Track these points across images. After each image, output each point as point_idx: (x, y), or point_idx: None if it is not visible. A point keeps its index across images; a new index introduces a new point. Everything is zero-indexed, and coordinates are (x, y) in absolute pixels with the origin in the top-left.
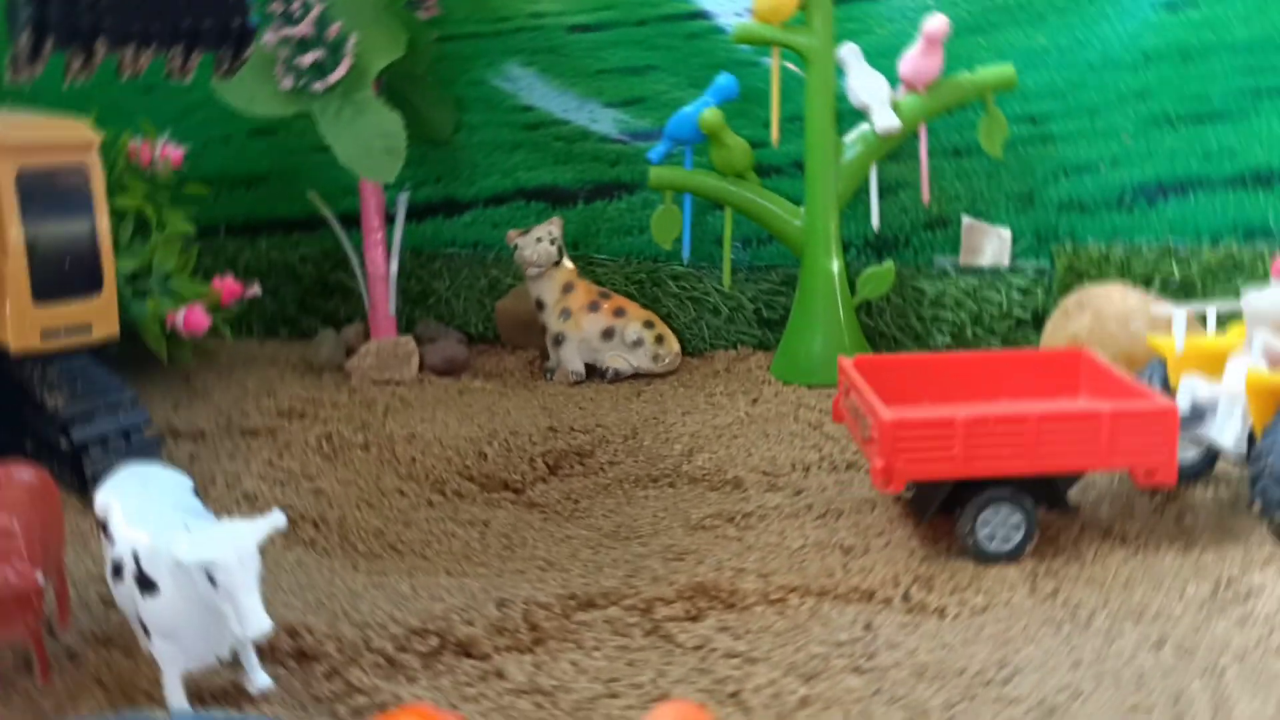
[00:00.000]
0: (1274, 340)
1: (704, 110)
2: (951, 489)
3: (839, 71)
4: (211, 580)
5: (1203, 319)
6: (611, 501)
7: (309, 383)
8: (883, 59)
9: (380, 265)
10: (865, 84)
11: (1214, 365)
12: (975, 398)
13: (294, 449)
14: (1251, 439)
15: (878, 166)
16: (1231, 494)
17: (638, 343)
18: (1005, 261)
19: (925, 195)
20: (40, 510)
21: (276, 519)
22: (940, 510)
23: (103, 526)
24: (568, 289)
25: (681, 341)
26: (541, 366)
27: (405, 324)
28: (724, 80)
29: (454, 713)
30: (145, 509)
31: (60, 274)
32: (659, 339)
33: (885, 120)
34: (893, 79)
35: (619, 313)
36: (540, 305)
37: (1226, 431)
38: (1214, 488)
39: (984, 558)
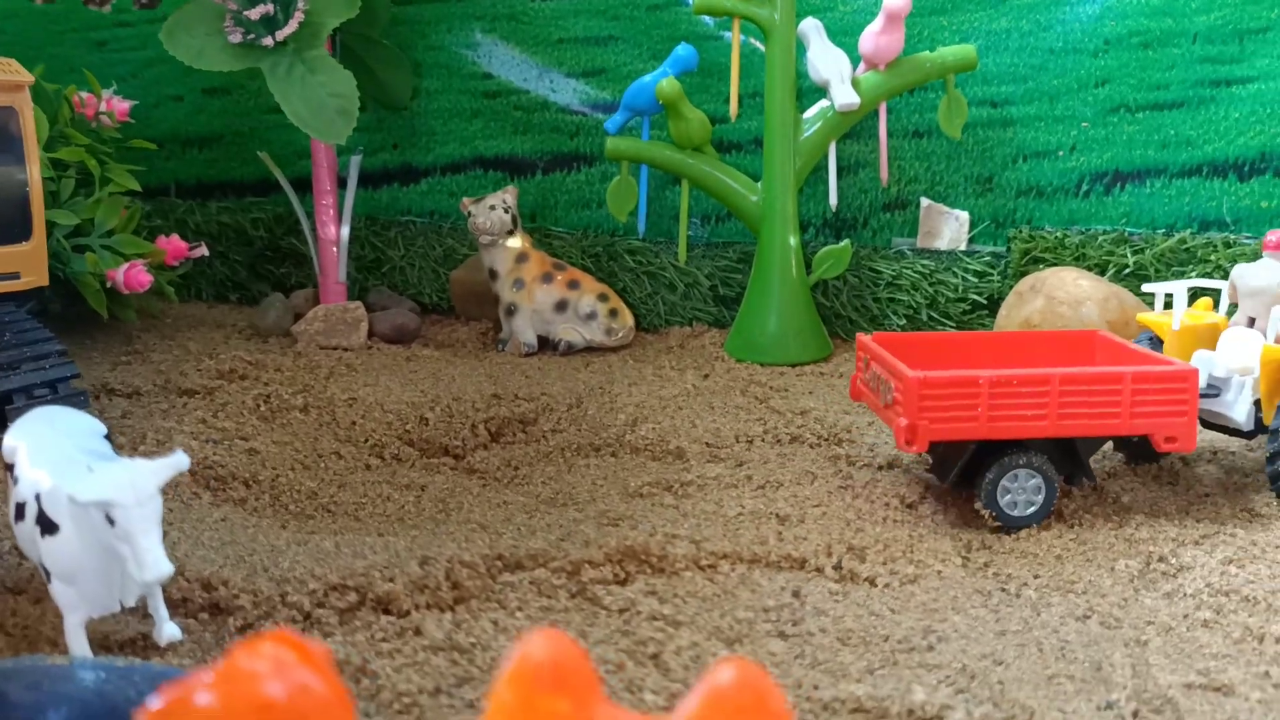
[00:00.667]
0: None
1: (662, 80)
2: (973, 454)
3: (800, 47)
4: (110, 521)
5: (1169, 299)
6: (551, 469)
7: (253, 346)
8: (844, 36)
9: (331, 230)
10: (826, 60)
11: (1206, 341)
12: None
13: (230, 409)
14: (1258, 415)
15: (837, 145)
16: (1169, 475)
17: (591, 315)
18: (962, 245)
19: (884, 175)
20: None
21: (179, 460)
22: (961, 479)
23: (9, 469)
24: (521, 259)
25: (637, 317)
26: (494, 338)
27: (357, 291)
28: (683, 51)
29: (318, 642)
30: (50, 450)
31: None
32: (613, 312)
33: (845, 97)
34: (854, 56)
35: (573, 285)
36: (493, 275)
37: (1238, 407)
38: (1152, 470)
39: (1006, 523)
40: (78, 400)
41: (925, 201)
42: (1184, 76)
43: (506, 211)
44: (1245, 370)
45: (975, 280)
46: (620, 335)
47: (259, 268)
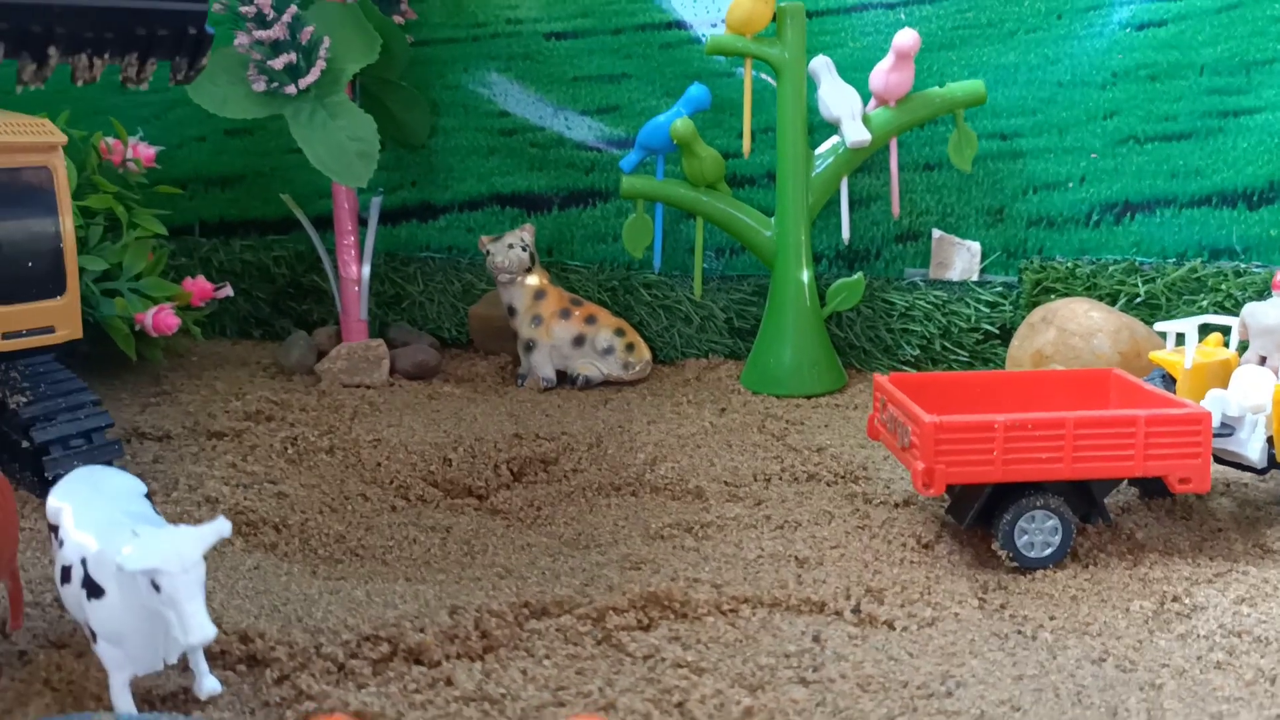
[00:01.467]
0: None
1: (676, 120)
2: (989, 496)
3: (811, 84)
4: (155, 587)
5: (1180, 337)
6: (573, 509)
7: (278, 385)
8: (854, 72)
9: (352, 269)
10: (837, 97)
11: (1218, 379)
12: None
13: (259, 452)
14: (1271, 451)
15: (848, 179)
16: (1183, 510)
17: (608, 350)
18: (974, 275)
19: (895, 208)
20: None
21: (222, 526)
22: (978, 521)
23: (54, 530)
24: (539, 295)
25: (653, 350)
26: (513, 372)
27: (378, 328)
28: (696, 90)
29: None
30: (95, 513)
31: (23, 275)
32: (629, 347)
33: (856, 133)
34: (864, 93)
35: (590, 320)
36: (512, 311)
37: (1252, 444)
38: (1165, 505)
39: (1023, 564)
40: (112, 449)
41: (937, 233)
42: (1192, 108)
43: (524, 249)
44: (1258, 409)
45: (988, 310)
46: (637, 369)
47: (281, 304)
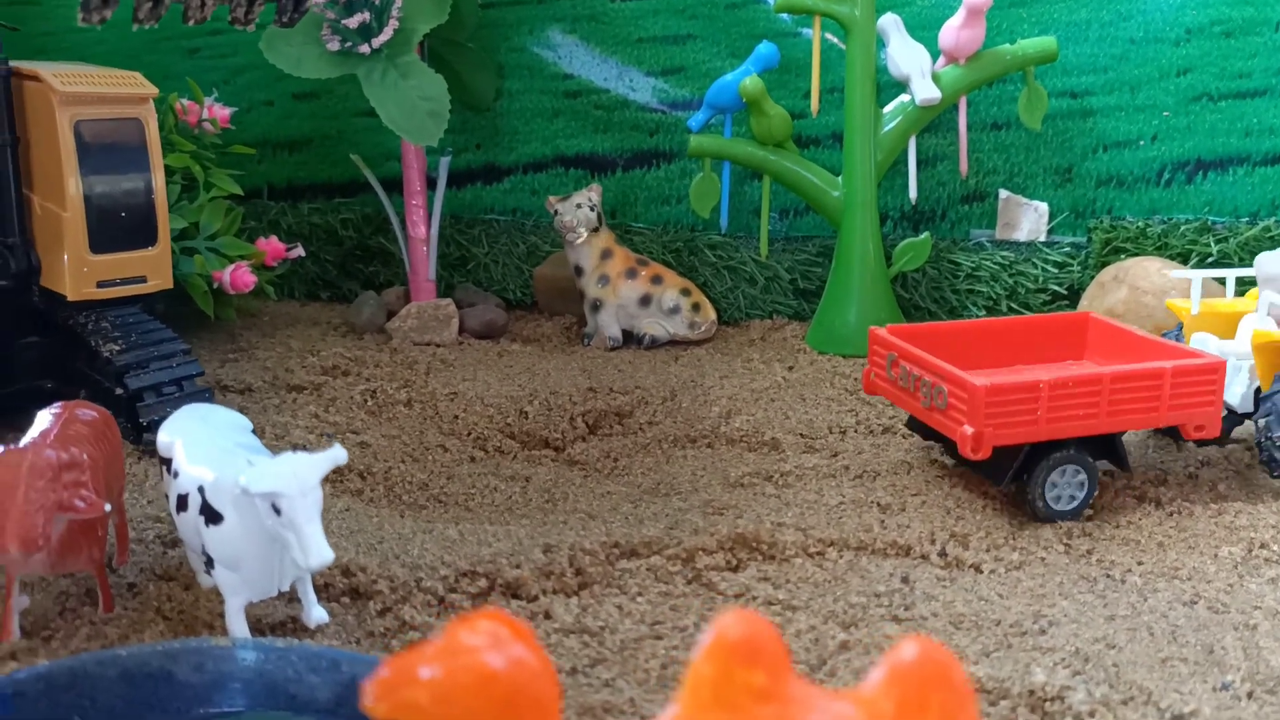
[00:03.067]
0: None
1: (745, 79)
2: (1027, 455)
3: (879, 42)
4: (276, 510)
5: (1222, 283)
6: (650, 460)
7: (350, 343)
8: (923, 30)
9: (421, 230)
10: (906, 54)
11: (1228, 327)
12: (991, 363)
13: (339, 404)
14: (1259, 396)
15: (916, 138)
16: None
17: (674, 310)
18: (1041, 236)
19: (963, 167)
20: (103, 447)
21: (338, 453)
22: (1016, 478)
23: (165, 463)
24: (606, 255)
25: (717, 310)
26: (579, 332)
27: (443, 289)
28: (765, 49)
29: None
30: (208, 445)
31: (116, 226)
32: (695, 306)
33: (925, 91)
34: (933, 50)
35: (656, 280)
36: (579, 271)
37: (1233, 388)
38: (1247, 453)
39: (1050, 517)
40: (202, 398)
41: (1004, 193)
42: (1267, 65)
43: (592, 209)
44: (1242, 354)
45: (1055, 271)
46: (703, 329)
47: (348, 266)
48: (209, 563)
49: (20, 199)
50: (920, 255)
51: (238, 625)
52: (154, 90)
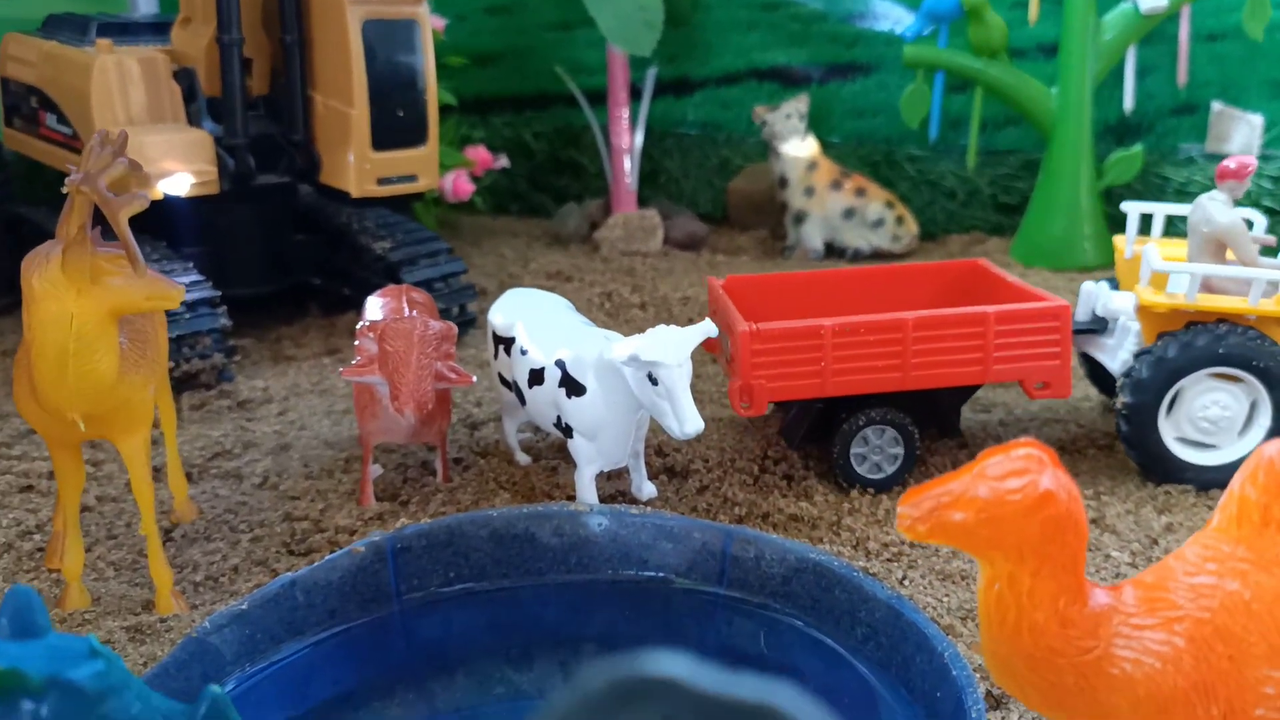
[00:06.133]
0: (1157, 257)
1: None
2: (821, 412)
3: None
4: (653, 380)
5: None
6: None
7: (559, 252)
8: None
9: (625, 139)
10: None
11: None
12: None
13: (578, 306)
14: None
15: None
16: None
17: (879, 222)
18: (1255, 150)
19: (1182, 76)
20: None
21: (708, 326)
22: (813, 436)
23: (504, 342)
24: (812, 167)
25: (918, 224)
26: (775, 245)
27: (638, 202)
28: None
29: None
30: (552, 324)
31: (395, 124)
32: (899, 219)
33: (1151, 0)
34: None
35: (860, 192)
36: (783, 182)
37: (1117, 352)
38: None
39: (860, 484)
40: (467, 293)
41: (1217, 105)
42: None
43: (801, 120)
44: (1130, 314)
45: (1271, 186)
46: (905, 242)
47: (539, 179)
48: (567, 431)
49: (305, 97)
50: (1131, 168)
51: (588, 491)
52: None
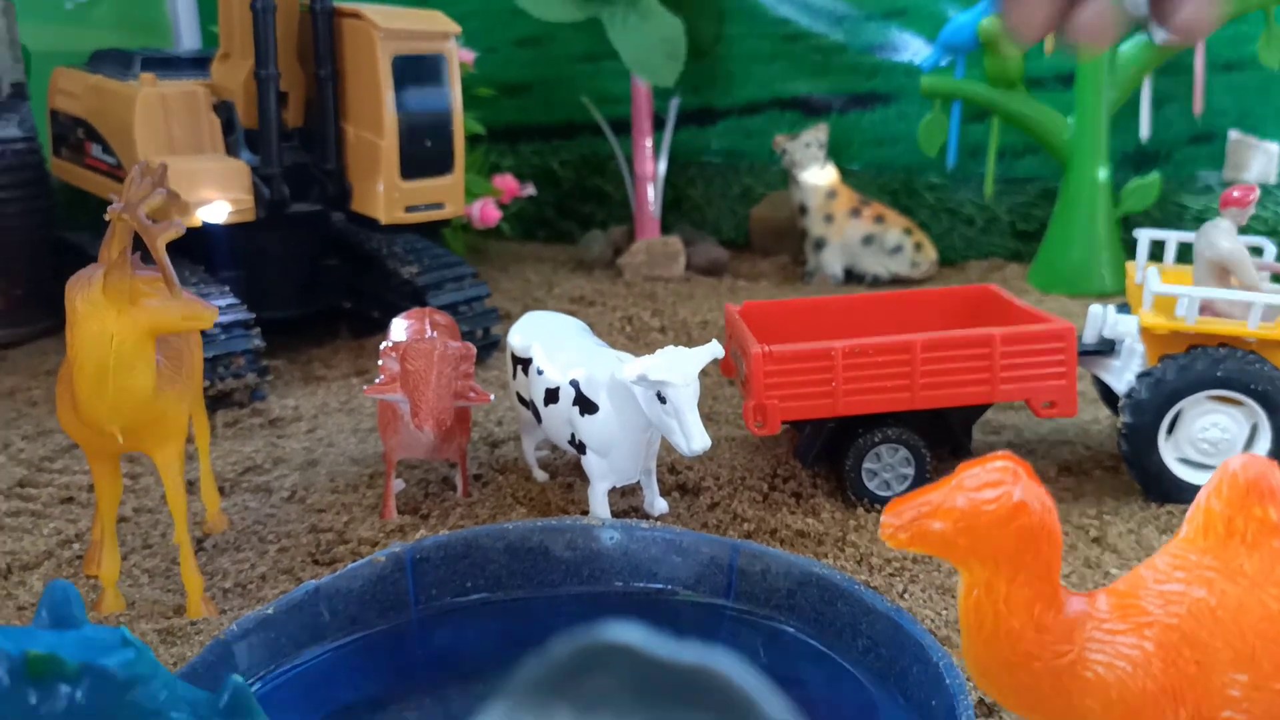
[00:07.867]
0: (1156, 280)
1: (984, 19)
2: (834, 432)
3: None
4: (661, 399)
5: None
6: None
7: (584, 277)
8: None
9: (649, 167)
10: None
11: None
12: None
13: (598, 330)
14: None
15: (1151, 77)
16: None
17: (897, 249)
18: (1272, 178)
19: (1197, 106)
20: None
21: (715, 348)
22: (825, 456)
23: (521, 363)
24: (831, 195)
25: (936, 251)
26: (796, 271)
27: (661, 229)
28: None
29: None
30: (568, 345)
31: (422, 154)
32: (917, 246)
33: (1166, 31)
34: None
35: (879, 219)
36: (803, 210)
37: (1123, 375)
38: None
39: (868, 499)
40: (490, 317)
41: (1234, 134)
42: None
43: (820, 148)
44: (1135, 334)
45: None
46: (924, 268)
47: (566, 206)
48: (581, 448)
49: (338, 129)
50: (1149, 196)
51: (600, 507)
52: (457, 28)
